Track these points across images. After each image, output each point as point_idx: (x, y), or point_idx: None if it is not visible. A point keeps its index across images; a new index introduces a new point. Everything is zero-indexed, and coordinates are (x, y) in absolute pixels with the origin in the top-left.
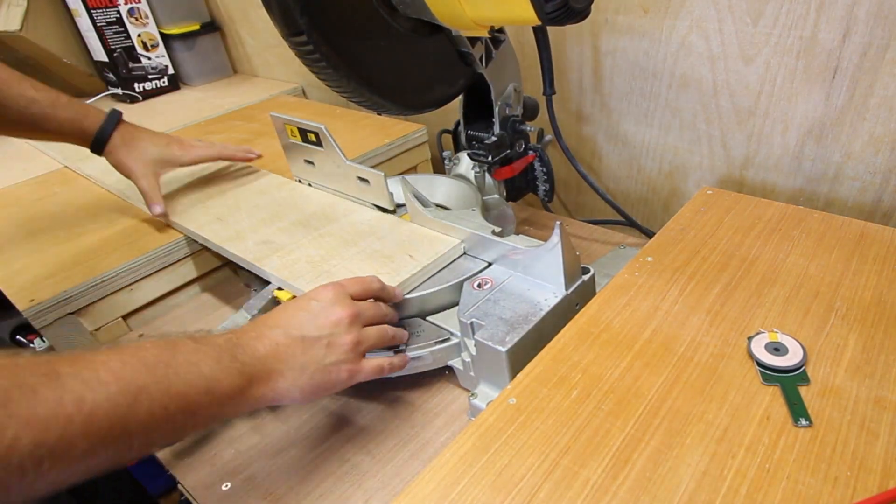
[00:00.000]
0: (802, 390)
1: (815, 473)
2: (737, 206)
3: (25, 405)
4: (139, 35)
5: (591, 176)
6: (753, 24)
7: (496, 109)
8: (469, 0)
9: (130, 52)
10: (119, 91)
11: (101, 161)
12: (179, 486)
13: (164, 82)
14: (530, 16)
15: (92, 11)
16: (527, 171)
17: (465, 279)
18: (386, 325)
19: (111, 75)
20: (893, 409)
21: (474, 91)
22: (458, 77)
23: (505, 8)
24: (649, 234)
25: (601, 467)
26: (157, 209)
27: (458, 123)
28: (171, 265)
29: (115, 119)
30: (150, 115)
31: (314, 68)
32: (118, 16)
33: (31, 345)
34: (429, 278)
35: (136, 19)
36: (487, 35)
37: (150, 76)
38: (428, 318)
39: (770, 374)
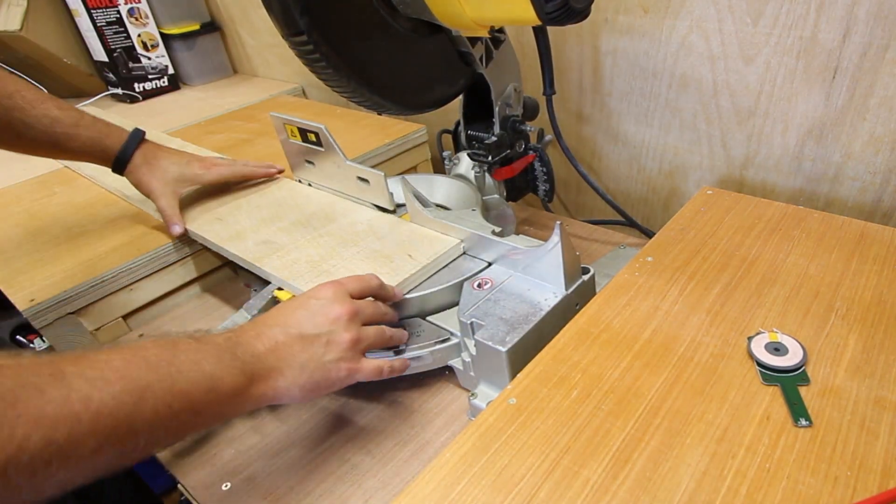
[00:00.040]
0: (802, 390)
1: (815, 473)
2: (737, 206)
3: (33, 404)
4: (139, 35)
5: (591, 176)
6: (753, 24)
7: (496, 109)
8: (469, 0)
9: (130, 52)
10: (119, 91)
11: None
12: (179, 485)
13: (164, 82)
14: (530, 16)
15: (92, 11)
16: (527, 171)
17: (465, 279)
18: (384, 326)
19: (111, 75)
20: (893, 409)
21: (474, 91)
22: (458, 77)
23: (505, 8)
24: (649, 234)
25: (601, 467)
26: (177, 229)
27: (458, 123)
28: (171, 265)
29: (137, 138)
30: (150, 116)
31: (314, 68)
32: (118, 16)
33: (31, 345)
34: (428, 278)
35: (136, 19)
36: (487, 35)
37: (150, 76)
38: (428, 318)
39: (770, 374)
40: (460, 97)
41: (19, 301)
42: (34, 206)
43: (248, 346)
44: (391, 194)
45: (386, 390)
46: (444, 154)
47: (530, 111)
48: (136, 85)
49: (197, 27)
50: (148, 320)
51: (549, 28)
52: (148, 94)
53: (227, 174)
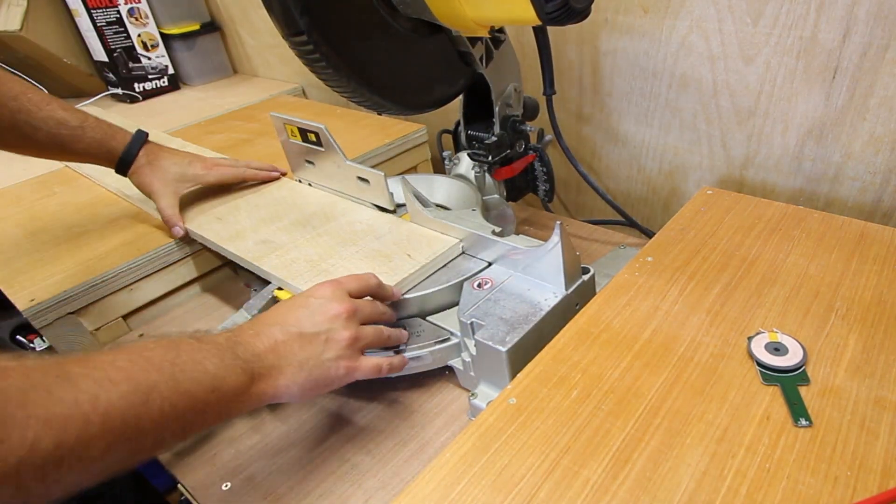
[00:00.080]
0: (802, 390)
1: (815, 473)
2: (737, 206)
3: (43, 406)
4: (139, 35)
5: (591, 176)
6: (753, 24)
7: (496, 109)
8: (469, 0)
9: (130, 52)
10: (119, 91)
11: None
12: (179, 485)
13: (164, 82)
14: (530, 16)
15: (92, 11)
16: (527, 171)
17: (465, 279)
18: (382, 326)
19: (111, 75)
20: (893, 409)
21: (474, 91)
22: (458, 77)
23: (505, 8)
24: (649, 234)
25: (601, 467)
26: (178, 231)
27: (458, 123)
28: (171, 265)
29: (140, 139)
30: (150, 116)
31: (314, 68)
32: (118, 16)
33: (31, 345)
34: (427, 277)
35: (136, 19)
36: (487, 35)
37: (150, 76)
38: (428, 317)
39: (770, 374)
40: (460, 97)
41: (19, 301)
42: (34, 206)
43: (248, 345)
44: (391, 194)
45: (386, 390)
46: (444, 154)
47: (530, 111)
48: (136, 85)
49: (197, 27)
50: (148, 320)
51: (549, 28)
52: (148, 94)
53: (229, 176)
